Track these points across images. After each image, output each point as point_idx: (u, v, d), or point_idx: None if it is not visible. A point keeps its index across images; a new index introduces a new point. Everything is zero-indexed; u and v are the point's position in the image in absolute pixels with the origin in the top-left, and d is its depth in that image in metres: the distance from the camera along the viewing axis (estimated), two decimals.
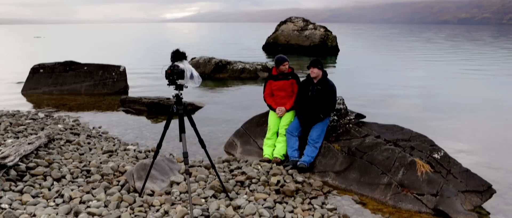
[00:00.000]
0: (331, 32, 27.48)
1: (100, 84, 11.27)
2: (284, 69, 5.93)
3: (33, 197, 4.06)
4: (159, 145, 4.00)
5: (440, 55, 26.22)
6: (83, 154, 5.67)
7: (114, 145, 6.34)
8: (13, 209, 3.75)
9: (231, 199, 4.24)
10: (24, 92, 11.12)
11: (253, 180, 4.80)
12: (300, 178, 4.95)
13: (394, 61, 22.36)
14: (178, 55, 3.71)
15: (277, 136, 5.82)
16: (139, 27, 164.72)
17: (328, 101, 5.50)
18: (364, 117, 6.23)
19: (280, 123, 5.85)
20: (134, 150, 6.10)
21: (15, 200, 3.93)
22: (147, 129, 7.69)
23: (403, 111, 9.47)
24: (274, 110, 5.93)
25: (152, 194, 4.29)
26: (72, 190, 4.26)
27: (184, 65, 3.70)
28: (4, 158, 4.40)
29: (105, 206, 3.94)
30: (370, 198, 4.67)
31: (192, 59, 15.04)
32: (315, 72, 5.53)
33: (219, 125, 7.92)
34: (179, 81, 3.70)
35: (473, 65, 19.62)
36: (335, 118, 5.85)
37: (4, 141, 5.89)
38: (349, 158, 5.19)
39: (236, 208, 4.07)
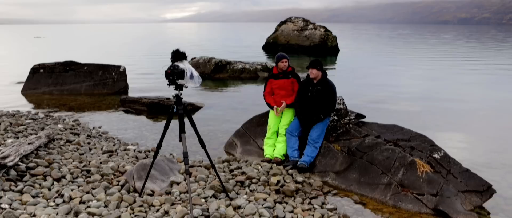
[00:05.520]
0: (331, 32, 27.48)
1: (100, 84, 11.27)
2: (283, 66, 5.94)
3: (33, 197, 4.06)
4: (159, 145, 4.00)
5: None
6: (83, 154, 5.67)
7: (114, 145, 6.34)
8: (13, 209, 3.75)
9: (231, 199, 4.24)
10: (24, 92, 11.12)
11: (253, 180, 4.80)
12: (300, 178, 4.95)
13: (407, 62, 22.32)
14: (178, 55, 3.71)
15: (277, 135, 5.82)
16: (139, 27, 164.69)
17: (328, 102, 5.50)
18: (364, 117, 6.23)
19: (280, 122, 5.85)
20: (134, 150, 6.10)
21: (15, 200, 3.93)
22: (147, 129, 7.69)
23: (403, 111, 9.47)
24: (272, 108, 5.95)
25: (152, 194, 4.29)
26: (72, 190, 4.26)
27: (184, 65, 3.70)
28: (4, 158, 4.40)
29: (105, 206, 3.93)
30: (370, 198, 4.67)
31: (192, 59, 15.04)
32: (314, 73, 5.54)
33: (219, 125, 7.92)
34: (179, 81, 3.70)
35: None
36: (335, 118, 5.85)
37: (4, 141, 5.89)
38: (349, 158, 5.19)
39: (236, 208, 4.07)
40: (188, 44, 38.27)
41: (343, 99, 6.07)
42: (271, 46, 27.93)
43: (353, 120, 5.98)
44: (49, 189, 4.29)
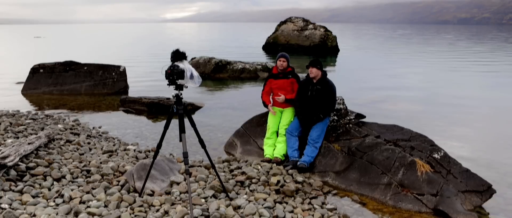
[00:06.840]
0: (331, 32, 27.48)
1: (100, 84, 11.27)
2: (280, 65, 5.95)
3: (33, 197, 4.06)
4: (159, 145, 4.00)
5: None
6: (83, 154, 5.67)
7: (114, 145, 6.34)
8: (13, 209, 3.75)
9: (231, 199, 4.24)
10: (24, 92, 11.12)
11: (253, 180, 4.80)
12: (300, 178, 4.95)
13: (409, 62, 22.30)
14: (178, 55, 3.71)
15: (277, 135, 5.82)
16: (139, 27, 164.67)
17: (328, 101, 5.50)
18: (364, 117, 6.23)
19: (280, 122, 5.86)
20: (134, 150, 6.10)
21: (15, 200, 3.93)
22: (147, 129, 7.69)
23: (403, 111, 9.47)
24: (267, 106, 5.98)
25: (152, 194, 4.29)
26: (72, 190, 4.26)
27: (184, 65, 3.70)
28: (4, 158, 4.40)
29: (105, 206, 3.93)
30: (370, 198, 4.67)
31: (192, 59, 15.04)
32: (313, 72, 5.53)
33: (219, 125, 7.92)
34: (179, 81, 3.69)
35: None
36: (335, 118, 5.85)
37: (4, 141, 5.89)
38: (349, 158, 5.19)
39: (236, 208, 4.07)
40: (188, 44, 38.26)
41: (343, 99, 6.07)
42: (271, 46, 27.93)
43: (353, 120, 5.98)
44: (49, 189, 4.29)
